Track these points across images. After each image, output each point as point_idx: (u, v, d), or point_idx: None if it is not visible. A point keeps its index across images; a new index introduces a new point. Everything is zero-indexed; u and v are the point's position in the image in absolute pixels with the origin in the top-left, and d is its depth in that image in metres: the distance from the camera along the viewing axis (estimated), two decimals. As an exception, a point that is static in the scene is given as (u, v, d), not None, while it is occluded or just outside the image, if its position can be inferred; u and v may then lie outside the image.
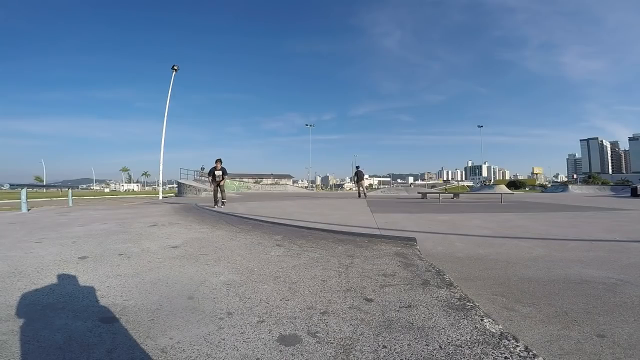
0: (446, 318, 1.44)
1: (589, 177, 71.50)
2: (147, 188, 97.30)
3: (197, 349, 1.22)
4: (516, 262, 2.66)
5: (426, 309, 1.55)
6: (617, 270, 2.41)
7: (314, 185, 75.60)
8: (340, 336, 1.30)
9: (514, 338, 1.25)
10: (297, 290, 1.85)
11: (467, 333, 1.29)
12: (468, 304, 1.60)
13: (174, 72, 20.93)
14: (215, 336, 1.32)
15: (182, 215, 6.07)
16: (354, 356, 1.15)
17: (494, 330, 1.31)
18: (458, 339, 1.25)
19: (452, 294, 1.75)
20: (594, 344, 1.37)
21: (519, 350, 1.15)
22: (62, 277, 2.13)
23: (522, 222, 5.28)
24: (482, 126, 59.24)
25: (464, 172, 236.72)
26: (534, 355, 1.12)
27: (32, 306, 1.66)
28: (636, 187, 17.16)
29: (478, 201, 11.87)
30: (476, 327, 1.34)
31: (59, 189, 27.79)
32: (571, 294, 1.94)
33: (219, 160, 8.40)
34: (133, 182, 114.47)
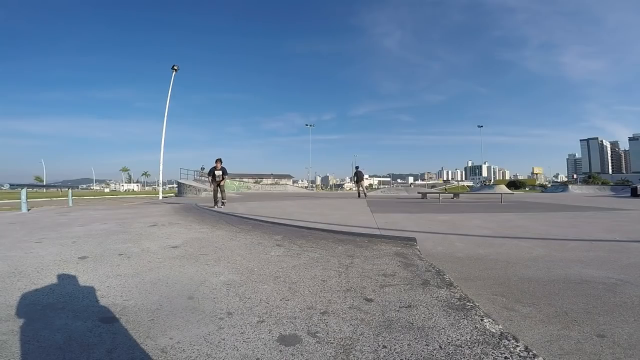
0: (446, 318, 1.44)
1: (589, 177, 71.51)
2: (147, 188, 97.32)
3: (197, 349, 1.22)
4: (516, 262, 2.66)
5: (426, 309, 1.55)
6: (617, 270, 2.41)
7: (314, 185, 75.58)
8: (340, 336, 1.30)
9: (514, 338, 1.25)
10: (297, 290, 1.85)
11: (467, 333, 1.29)
12: (468, 304, 1.60)
13: (174, 72, 20.93)
14: (215, 336, 1.32)
15: (182, 215, 6.07)
16: (354, 356, 1.15)
17: (494, 330, 1.31)
18: (458, 339, 1.25)
19: (452, 294, 1.74)
20: (594, 344, 1.37)
21: (519, 350, 1.15)
22: (62, 277, 2.13)
23: (522, 222, 5.28)
24: (482, 126, 59.32)
25: (464, 172, 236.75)
26: (534, 355, 1.12)
27: (32, 306, 1.66)
28: (636, 187, 17.16)
29: (478, 201, 11.87)
30: (476, 327, 1.34)
31: (59, 189, 27.79)
32: (571, 294, 1.94)
33: (219, 160, 8.35)
34: (133, 182, 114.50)
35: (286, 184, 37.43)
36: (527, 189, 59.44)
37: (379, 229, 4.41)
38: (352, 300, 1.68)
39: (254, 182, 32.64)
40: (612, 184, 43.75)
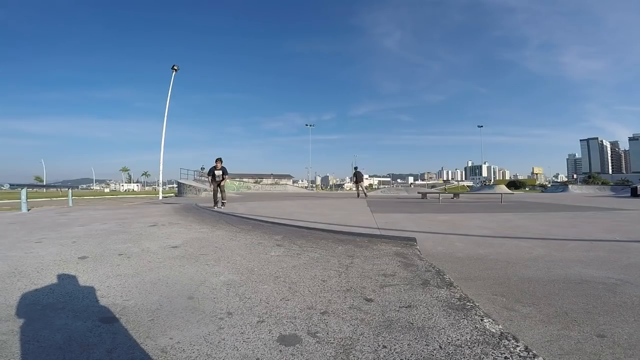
0: (446, 318, 1.44)
1: (589, 177, 71.52)
2: (147, 188, 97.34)
3: (197, 349, 1.22)
4: (516, 262, 2.66)
5: (426, 309, 1.55)
6: (617, 270, 2.41)
7: (314, 185, 75.60)
8: (340, 336, 1.30)
9: (514, 338, 1.25)
10: (297, 290, 1.85)
11: (467, 333, 1.29)
12: (468, 304, 1.60)
13: (174, 72, 20.94)
14: (215, 336, 1.32)
15: (182, 215, 6.07)
16: (354, 356, 1.15)
17: (494, 330, 1.31)
18: (458, 339, 1.25)
19: (452, 294, 1.74)
20: (594, 344, 1.37)
21: (519, 350, 1.15)
22: (62, 277, 2.13)
23: (522, 222, 5.28)
24: (482, 126, 59.36)
25: (464, 172, 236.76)
26: (534, 355, 1.12)
27: (32, 306, 1.66)
28: (636, 187, 17.16)
29: (478, 201, 11.87)
30: (476, 327, 1.34)
31: (59, 189, 27.78)
32: (571, 294, 1.94)
33: (219, 160, 8.22)
34: (133, 182, 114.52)
35: (286, 184, 37.43)
36: (527, 189, 59.45)
37: (379, 229, 4.41)
38: (352, 300, 1.68)
39: (254, 182, 32.64)
40: (612, 184, 43.76)
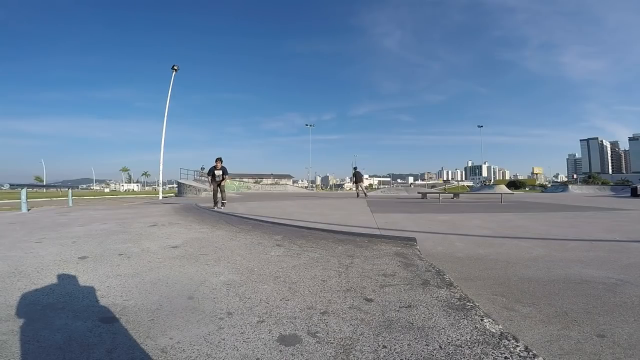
0: (446, 318, 1.44)
1: (589, 177, 71.52)
2: (147, 188, 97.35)
3: (197, 349, 1.22)
4: (516, 262, 2.66)
5: (426, 309, 1.55)
6: (617, 270, 2.41)
7: (314, 185, 75.62)
8: (340, 336, 1.30)
9: (514, 338, 1.25)
10: (297, 290, 1.85)
11: (467, 333, 1.29)
12: (468, 304, 1.60)
13: (174, 72, 20.95)
14: (215, 336, 1.32)
15: (182, 215, 6.07)
16: (354, 356, 1.15)
17: (494, 330, 1.31)
18: (458, 339, 1.25)
19: (452, 294, 1.74)
20: (594, 344, 1.37)
21: (519, 350, 1.15)
22: (62, 277, 2.13)
23: (522, 222, 5.28)
24: (482, 126, 59.38)
25: (464, 172, 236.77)
26: (534, 355, 1.12)
27: (32, 306, 1.66)
28: (636, 187, 17.16)
29: (478, 201, 11.87)
30: (476, 327, 1.34)
31: (59, 189, 27.78)
32: (571, 294, 1.94)
33: (219, 159, 8.10)
34: (133, 182, 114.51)
35: (286, 184, 37.43)
36: (527, 189, 59.46)
37: (379, 229, 4.41)
38: (352, 300, 1.68)
39: (254, 182, 32.65)
40: (612, 184, 43.75)
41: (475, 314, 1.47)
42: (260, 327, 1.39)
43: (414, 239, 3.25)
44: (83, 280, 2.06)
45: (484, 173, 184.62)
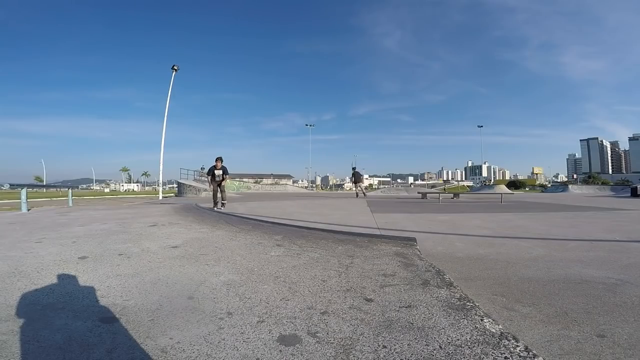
0: (446, 318, 1.44)
1: (589, 177, 71.53)
2: (147, 188, 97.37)
3: (197, 349, 1.22)
4: (516, 262, 2.66)
5: (426, 309, 1.55)
6: (617, 270, 2.41)
7: (314, 185, 75.65)
8: (340, 336, 1.30)
9: (514, 338, 1.25)
10: (297, 290, 1.85)
11: (467, 333, 1.29)
12: (468, 304, 1.60)
13: (174, 72, 20.94)
14: (215, 336, 1.32)
15: (182, 215, 6.07)
16: (354, 356, 1.15)
17: (494, 330, 1.31)
18: (458, 339, 1.25)
19: (452, 294, 1.74)
20: (594, 344, 1.37)
21: (519, 350, 1.15)
22: (62, 277, 2.13)
23: (522, 222, 5.28)
24: (482, 126, 59.40)
25: (464, 172, 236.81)
26: (534, 355, 1.12)
27: (32, 306, 1.66)
28: (636, 187, 17.16)
29: (478, 201, 11.87)
30: (476, 327, 1.34)
31: (59, 189, 27.78)
32: (571, 294, 1.94)
33: (219, 159, 7.87)
34: (133, 182, 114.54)
35: (286, 184, 37.43)
36: (527, 189, 59.45)
37: (379, 229, 4.41)
38: (352, 300, 1.68)
39: (254, 182, 32.65)
40: (612, 184, 43.75)
41: (475, 314, 1.47)
42: (260, 327, 1.39)
43: (414, 239, 3.25)
44: (83, 280, 2.06)
45: (484, 173, 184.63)
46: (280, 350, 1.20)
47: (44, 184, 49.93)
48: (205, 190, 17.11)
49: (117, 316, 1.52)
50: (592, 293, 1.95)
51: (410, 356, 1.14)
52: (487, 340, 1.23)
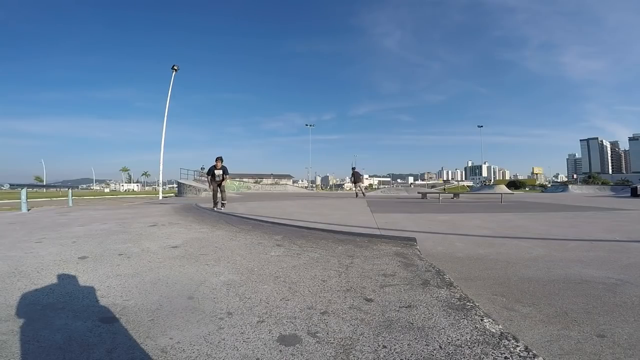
0: (446, 318, 1.44)
1: (589, 177, 71.52)
2: (147, 188, 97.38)
3: (197, 349, 1.22)
4: (516, 262, 2.66)
5: (426, 309, 1.55)
6: (617, 270, 2.41)
7: (314, 186, 75.66)
8: (340, 336, 1.30)
9: (514, 338, 1.25)
10: (297, 290, 1.85)
11: (467, 333, 1.29)
12: (468, 304, 1.60)
13: (174, 72, 20.94)
14: (215, 336, 1.32)
15: (182, 215, 6.07)
16: (354, 356, 1.15)
17: (494, 330, 1.31)
18: (458, 339, 1.25)
19: (452, 294, 1.74)
20: (594, 344, 1.37)
21: (519, 350, 1.15)
22: (62, 277, 2.13)
23: (522, 222, 5.28)
24: (482, 126, 59.38)
25: (464, 172, 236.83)
26: (534, 355, 1.12)
27: (32, 306, 1.66)
28: (636, 187, 17.16)
29: (478, 201, 11.87)
30: (476, 327, 1.34)
31: (59, 189, 27.78)
32: (571, 294, 1.94)
33: (219, 159, 7.73)
34: (133, 182, 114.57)
35: (286, 184, 37.43)
36: (527, 189, 59.44)
37: (379, 229, 4.41)
38: (352, 300, 1.68)
39: (254, 182, 32.65)
40: (612, 184, 43.74)
41: (475, 314, 1.47)
42: (260, 327, 1.39)
43: (414, 239, 3.25)
44: (83, 280, 2.06)
45: (484, 173, 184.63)
46: (280, 350, 1.20)
47: (44, 184, 49.93)
48: (205, 190, 17.10)
49: (117, 316, 1.52)
50: (592, 293, 1.95)
51: (410, 356, 1.14)
52: (487, 340, 1.24)
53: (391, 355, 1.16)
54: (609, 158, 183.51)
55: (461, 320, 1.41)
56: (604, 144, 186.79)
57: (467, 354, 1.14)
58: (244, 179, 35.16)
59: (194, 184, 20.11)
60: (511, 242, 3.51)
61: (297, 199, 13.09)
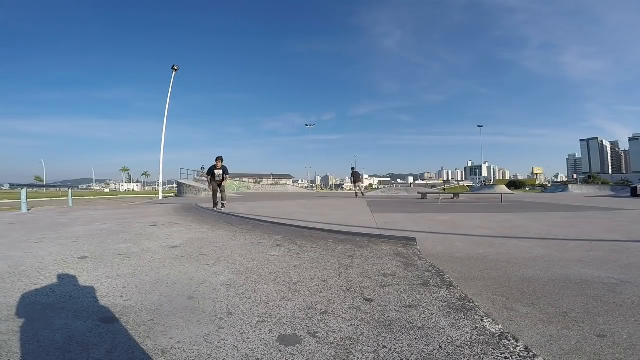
0: (446, 318, 1.44)
1: (589, 177, 71.51)
2: (147, 188, 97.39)
3: (197, 349, 1.22)
4: (516, 262, 2.66)
5: (426, 309, 1.55)
6: (617, 270, 2.41)
7: (314, 185, 75.68)
8: (340, 336, 1.30)
9: (514, 338, 1.25)
10: (297, 290, 1.85)
11: (467, 333, 1.29)
12: (468, 304, 1.60)
13: (174, 72, 20.94)
14: (215, 336, 1.32)
15: (182, 215, 6.06)
16: (354, 356, 1.15)
17: (494, 330, 1.31)
18: (458, 339, 1.25)
19: (452, 294, 1.74)
20: (594, 344, 1.37)
21: (519, 350, 1.15)
22: (62, 277, 2.13)
23: (522, 222, 5.28)
24: (482, 126, 59.34)
25: (464, 172, 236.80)
26: (534, 355, 1.12)
27: (32, 306, 1.66)
28: (636, 187, 17.16)
29: (478, 201, 11.87)
30: (476, 327, 1.34)
31: (59, 189, 27.78)
32: (571, 294, 1.94)
33: (219, 158, 7.64)
34: (133, 182, 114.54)
35: (286, 184, 37.44)
36: (527, 189, 59.43)
37: (379, 229, 4.41)
38: (352, 300, 1.68)
39: (254, 182, 32.66)
40: (612, 184, 43.74)
41: (475, 314, 1.47)
42: (260, 327, 1.39)
43: (414, 239, 3.25)
44: (83, 280, 2.06)
45: (484, 173, 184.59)
46: (280, 350, 1.20)
47: (44, 184, 49.94)
48: (205, 190, 17.09)
49: (117, 316, 1.52)
50: (592, 293, 1.95)
51: (410, 356, 1.14)
52: (487, 340, 1.24)
53: (391, 355, 1.16)
54: (609, 158, 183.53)
55: (461, 320, 1.41)
56: (604, 144, 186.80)
57: (467, 354, 1.14)
58: (244, 179, 35.17)
59: (194, 184, 20.11)
60: (511, 242, 3.51)
61: (297, 199, 13.09)
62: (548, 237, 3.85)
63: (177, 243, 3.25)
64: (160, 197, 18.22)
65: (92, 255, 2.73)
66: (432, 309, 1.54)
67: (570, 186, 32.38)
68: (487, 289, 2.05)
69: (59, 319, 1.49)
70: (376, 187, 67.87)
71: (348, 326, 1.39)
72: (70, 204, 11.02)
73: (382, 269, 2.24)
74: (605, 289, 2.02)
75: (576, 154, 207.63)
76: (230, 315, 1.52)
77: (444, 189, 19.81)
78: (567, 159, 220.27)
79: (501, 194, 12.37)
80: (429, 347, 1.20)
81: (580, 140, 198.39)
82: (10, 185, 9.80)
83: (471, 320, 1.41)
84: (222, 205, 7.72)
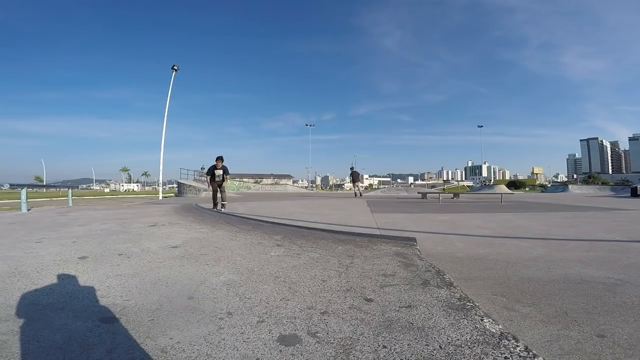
0: (446, 318, 1.44)
1: (589, 177, 71.51)
2: (147, 188, 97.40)
3: (197, 349, 1.22)
4: (516, 262, 2.66)
5: (426, 309, 1.55)
6: (617, 270, 2.41)
7: (314, 186, 75.70)
8: (340, 336, 1.30)
9: (514, 338, 1.25)
10: (297, 290, 1.85)
11: (467, 333, 1.29)
12: (468, 304, 1.60)
13: (174, 72, 20.94)
14: (215, 336, 1.32)
15: (182, 215, 6.06)
16: (354, 356, 1.15)
17: (494, 330, 1.31)
18: (458, 339, 1.25)
19: (452, 294, 1.74)
20: (594, 344, 1.37)
21: (519, 350, 1.15)
22: (62, 277, 2.13)
23: (522, 222, 5.28)
24: (482, 126, 59.30)
25: (464, 172, 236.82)
26: (534, 355, 1.12)
27: (32, 306, 1.66)
28: (636, 187, 17.16)
29: (478, 201, 11.87)
30: (476, 327, 1.34)
31: (59, 189, 27.79)
32: (571, 294, 1.94)
33: (219, 158, 7.53)
34: (133, 182, 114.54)
35: (286, 184, 37.44)
36: (527, 189, 59.40)
37: (379, 229, 4.41)
38: (352, 300, 1.68)
39: (254, 182, 32.66)
40: (612, 184, 43.73)
41: (475, 314, 1.47)
42: (260, 327, 1.39)
43: (414, 239, 3.25)
44: (83, 280, 2.06)
45: (484, 173, 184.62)
46: (280, 350, 1.20)
47: (44, 184, 49.93)
48: (205, 190, 17.09)
49: (117, 316, 1.52)
50: (592, 293, 1.95)
51: (410, 356, 1.14)
52: (487, 340, 1.24)
53: (391, 355, 1.16)
54: (609, 158, 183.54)
55: (461, 320, 1.41)
56: (604, 144, 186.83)
57: (467, 354, 1.14)
58: (244, 179, 35.18)
59: (194, 184, 20.10)
60: (511, 242, 3.51)
61: (297, 199, 13.09)
62: (548, 237, 3.85)
63: (177, 243, 3.25)
64: (160, 197, 18.23)
65: (92, 255, 2.73)
66: (432, 309, 1.54)
67: (570, 186, 32.37)
68: (487, 289, 2.05)
69: (59, 319, 1.49)
70: (376, 187, 67.92)
71: (348, 326, 1.39)
72: (70, 204, 11.02)
73: (382, 269, 2.24)
74: (605, 289, 2.02)
75: (576, 154, 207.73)
76: (230, 315, 1.52)
77: (444, 189, 19.82)
78: (567, 159, 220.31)
79: (501, 194, 12.37)
80: (429, 347, 1.20)
81: (580, 140, 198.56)
82: (10, 185, 9.81)
83: (471, 320, 1.41)
84: (222, 205, 7.66)
